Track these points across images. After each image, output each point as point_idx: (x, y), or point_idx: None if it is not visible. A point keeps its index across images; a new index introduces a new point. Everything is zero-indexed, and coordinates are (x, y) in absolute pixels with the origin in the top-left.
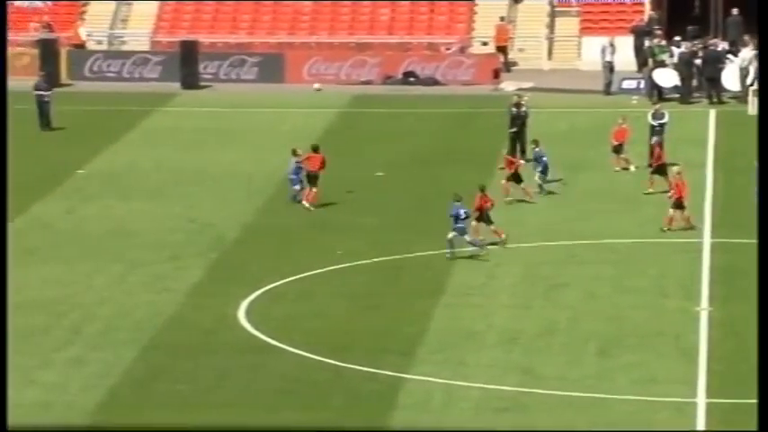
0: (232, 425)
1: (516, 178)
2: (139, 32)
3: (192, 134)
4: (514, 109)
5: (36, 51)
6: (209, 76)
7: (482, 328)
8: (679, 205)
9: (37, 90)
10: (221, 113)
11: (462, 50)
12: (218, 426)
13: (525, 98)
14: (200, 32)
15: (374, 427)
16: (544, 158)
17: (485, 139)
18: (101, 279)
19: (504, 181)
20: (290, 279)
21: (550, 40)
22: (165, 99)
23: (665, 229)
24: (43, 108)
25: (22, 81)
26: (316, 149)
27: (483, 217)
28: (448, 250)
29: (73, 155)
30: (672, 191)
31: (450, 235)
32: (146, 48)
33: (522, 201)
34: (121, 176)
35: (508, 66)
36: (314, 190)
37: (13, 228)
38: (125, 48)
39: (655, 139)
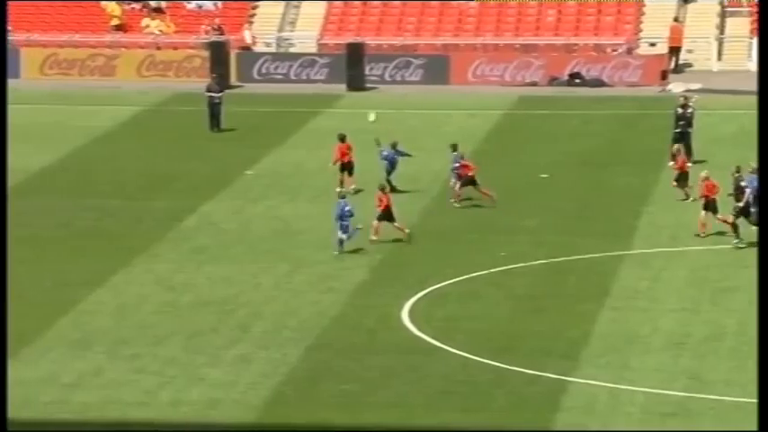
0: (395, 425)
1: (683, 179)
2: (307, 35)
3: (357, 135)
4: (680, 109)
5: (206, 54)
6: (375, 78)
7: (647, 331)
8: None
9: (209, 92)
10: (386, 115)
11: (629, 51)
12: (381, 425)
13: (693, 99)
14: (367, 34)
15: (537, 429)
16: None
17: (651, 141)
18: (267, 278)
19: (673, 183)
20: (454, 280)
21: (720, 41)
22: (330, 101)
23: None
24: (214, 110)
25: (192, 83)
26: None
27: (386, 216)
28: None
29: (241, 155)
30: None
31: (340, 235)
32: (313, 50)
33: (686, 201)
34: (288, 177)
35: (679, 67)
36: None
37: (183, 227)
38: (293, 50)
39: None
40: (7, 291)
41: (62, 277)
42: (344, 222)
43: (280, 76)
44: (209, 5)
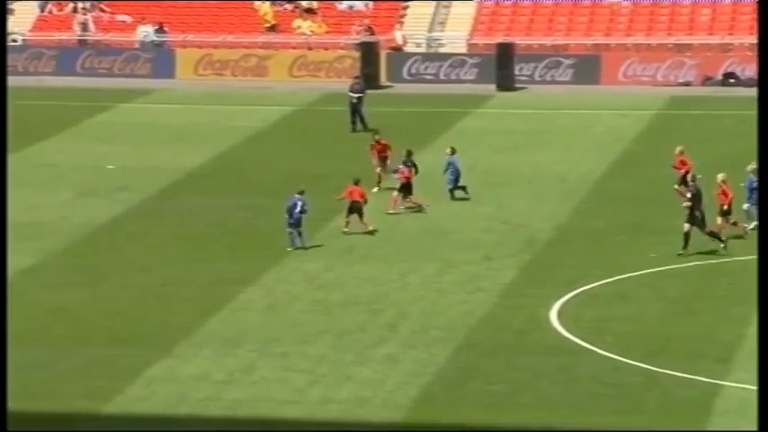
0: (543, 426)
1: None
2: (457, 35)
3: (506, 135)
4: None
5: (357, 54)
6: (525, 78)
7: None
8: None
9: (351, 92)
10: (535, 115)
11: None
12: (529, 427)
13: None
14: (517, 34)
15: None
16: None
17: None
18: (415, 278)
19: None
20: (604, 281)
21: None
22: (480, 101)
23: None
24: (354, 110)
25: (342, 83)
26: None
27: (354, 209)
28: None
29: (390, 155)
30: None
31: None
32: (462, 50)
33: None
34: (436, 177)
35: None
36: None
37: (332, 227)
38: (442, 50)
39: None
40: (7, 290)
41: (215, 275)
42: (294, 219)
43: (429, 77)
44: (360, 6)
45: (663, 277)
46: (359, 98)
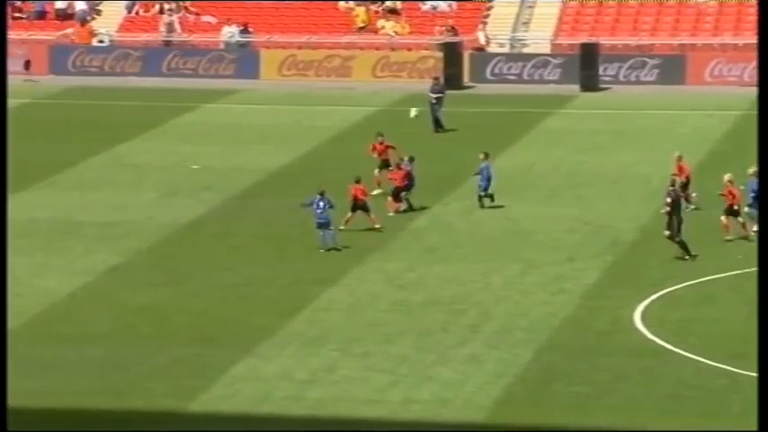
0: (626, 428)
1: None
2: (540, 35)
3: (589, 136)
4: None
5: (440, 54)
6: (609, 78)
7: None
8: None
9: (430, 93)
10: (619, 115)
11: None
12: (612, 428)
13: None
14: (602, 34)
15: None
16: None
17: None
18: (498, 278)
19: None
20: (688, 283)
21: None
22: (563, 101)
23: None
24: (432, 110)
25: (425, 84)
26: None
27: (358, 207)
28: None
29: (473, 156)
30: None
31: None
32: (546, 50)
33: None
34: (518, 177)
35: None
36: None
37: (414, 227)
38: (526, 50)
39: None
40: (7, 289)
41: (298, 275)
42: (320, 221)
43: (512, 77)
44: (443, 6)
45: (748, 279)
46: (437, 99)
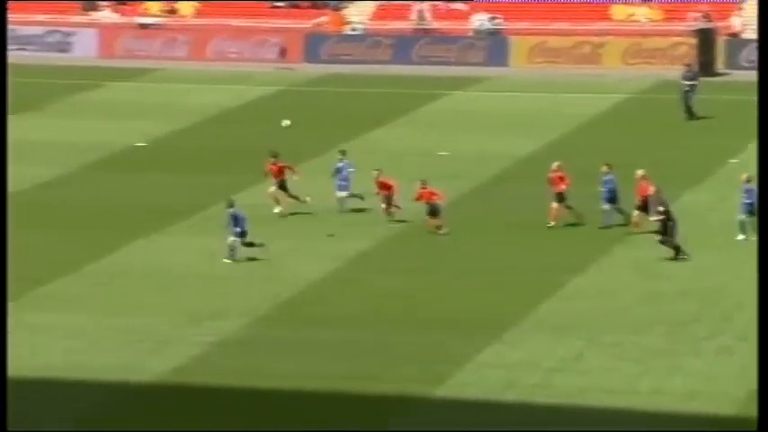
0: None
1: None
2: None
3: None
4: None
5: (694, 41)
6: None
7: None
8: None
9: (683, 80)
10: None
11: None
12: None
13: None
14: None
15: None
16: None
17: None
18: (752, 269)
19: None
20: None
21: None
22: None
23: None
24: (685, 98)
25: (677, 71)
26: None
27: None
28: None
29: (723, 144)
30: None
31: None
32: None
33: None
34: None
35: None
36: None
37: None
38: None
39: None
40: (6, 289)
41: (545, 262)
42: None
43: None
44: None
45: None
46: (690, 86)
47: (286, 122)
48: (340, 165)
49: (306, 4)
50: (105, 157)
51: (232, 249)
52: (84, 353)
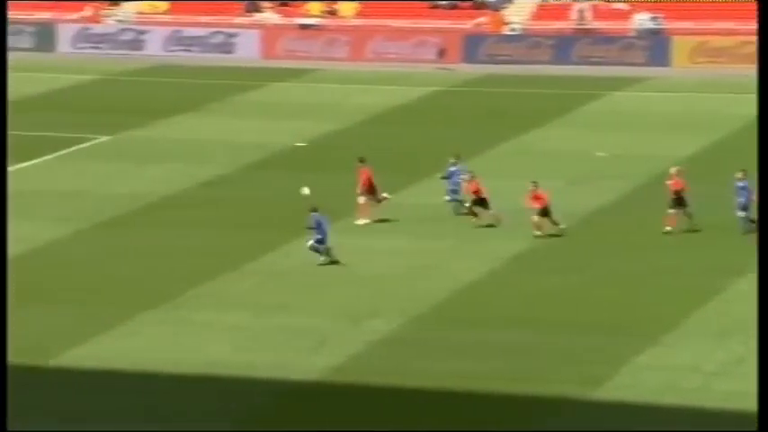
0: None
1: None
2: None
3: None
4: None
5: None
6: None
7: None
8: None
9: None
10: None
11: None
12: None
13: None
14: None
15: None
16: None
17: None
18: None
19: None
20: None
21: None
22: None
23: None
24: None
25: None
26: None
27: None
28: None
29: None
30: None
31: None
32: None
33: None
34: None
35: None
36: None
37: None
38: None
39: None
40: (6, 289)
41: (705, 264)
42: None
43: None
44: None
45: None
46: None
47: (305, 191)
48: (453, 169)
49: (466, 4)
50: (266, 156)
51: (317, 251)
52: (246, 351)
